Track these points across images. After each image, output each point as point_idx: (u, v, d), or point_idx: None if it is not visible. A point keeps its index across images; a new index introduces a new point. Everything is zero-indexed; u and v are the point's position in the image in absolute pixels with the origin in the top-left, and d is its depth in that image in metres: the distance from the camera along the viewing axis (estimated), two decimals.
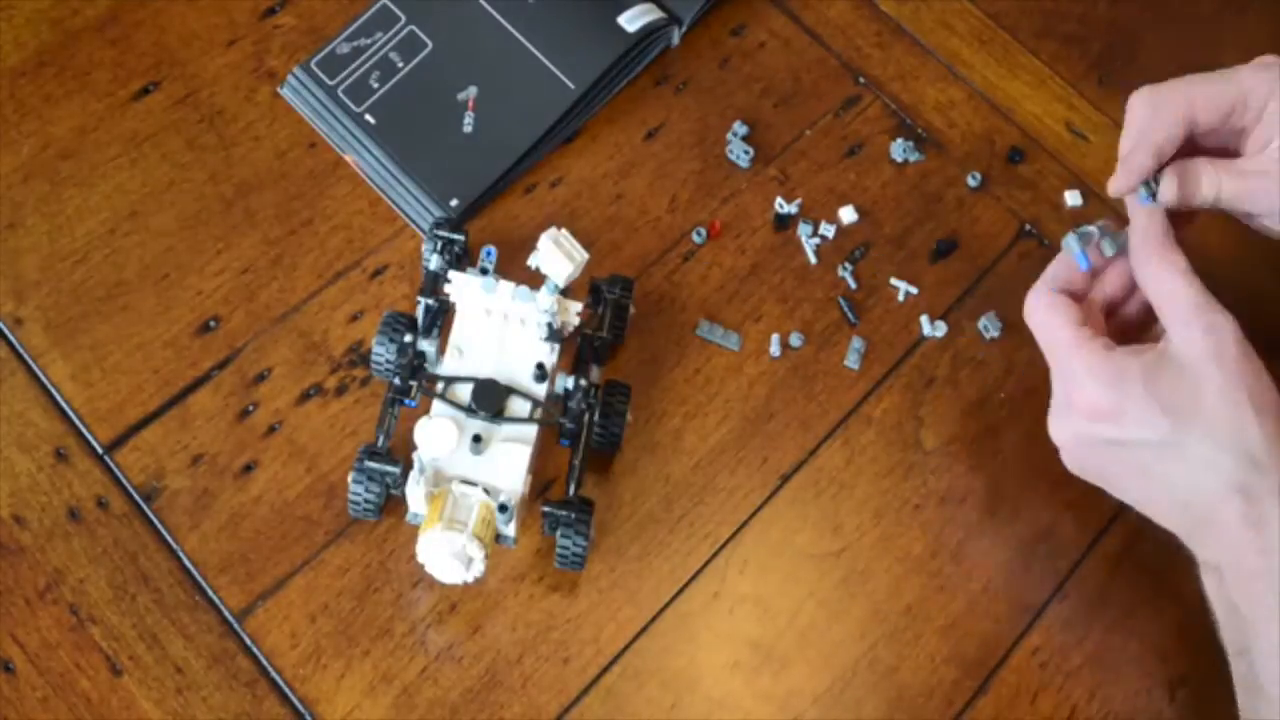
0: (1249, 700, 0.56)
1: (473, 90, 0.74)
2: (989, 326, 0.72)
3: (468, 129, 0.73)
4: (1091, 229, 0.62)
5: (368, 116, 0.73)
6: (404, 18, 0.76)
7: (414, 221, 0.72)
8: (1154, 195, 0.60)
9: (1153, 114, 0.61)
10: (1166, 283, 0.58)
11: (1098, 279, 0.62)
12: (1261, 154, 0.60)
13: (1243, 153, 0.62)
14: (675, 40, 0.79)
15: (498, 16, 0.76)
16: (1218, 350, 0.55)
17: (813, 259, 0.74)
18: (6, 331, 0.67)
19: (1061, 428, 0.60)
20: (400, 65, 0.75)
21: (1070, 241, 0.61)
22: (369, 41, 0.76)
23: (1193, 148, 0.61)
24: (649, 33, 0.76)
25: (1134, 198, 0.61)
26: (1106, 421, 0.57)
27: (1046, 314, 0.60)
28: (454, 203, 0.71)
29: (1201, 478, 0.56)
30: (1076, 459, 0.61)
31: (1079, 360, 0.58)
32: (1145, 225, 0.60)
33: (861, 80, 0.80)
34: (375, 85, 0.75)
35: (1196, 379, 0.55)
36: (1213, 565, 0.57)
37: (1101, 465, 0.60)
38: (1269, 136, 0.60)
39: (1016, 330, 0.73)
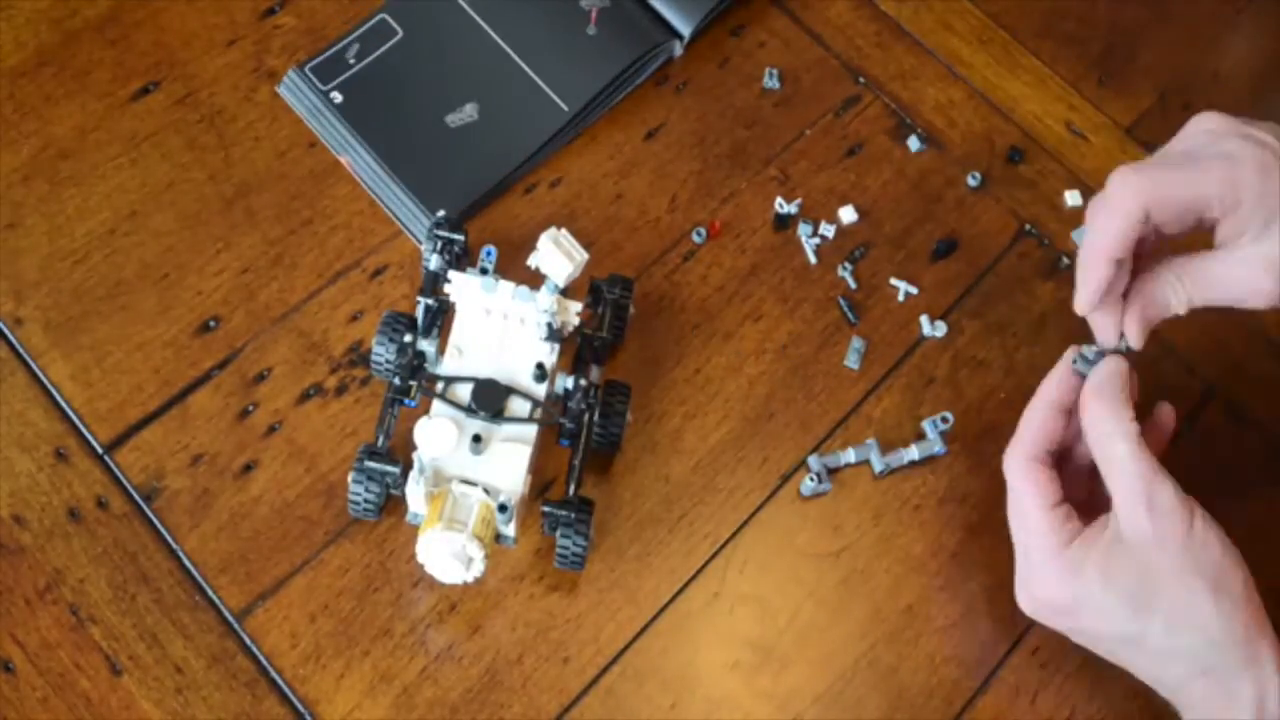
0: None
1: (467, 105, 0.75)
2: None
3: (460, 137, 0.74)
4: (1091, 350, 0.60)
5: (359, 124, 0.73)
6: (401, 32, 0.76)
7: (406, 227, 0.72)
8: (1105, 354, 0.59)
9: (1105, 221, 0.57)
10: (1113, 449, 0.56)
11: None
12: (1235, 245, 0.57)
13: (1215, 240, 0.58)
14: (677, 51, 0.79)
15: (494, 36, 0.77)
16: (1167, 533, 0.55)
17: (813, 259, 0.74)
18: (6, 331, 0.67)
19: (1024, 601, 0.61)
20: (395, 77, 0.75)
21: (1070, 357, 0.60)
22: (366, 52, 0.76)
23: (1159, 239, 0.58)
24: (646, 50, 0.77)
25: (1080, 361, 0.59)
26: (1064, 615, 0.59)
27: (1022, 483, 0.59)
28: (441, 213, 0.71)
29: (1165, 664, 0.57)
30: (1044, 623, 0.61)
31: (1040, 549, 0.58)
32: (1099, 378, 0.58)
33: (861, 80, 0.80)
34: (369, 94, 0.74)
35: (1148, 567, 0.55)
36: None
37: (1067, 636, 0.61)
38: (1240, 229, 0.56)
39: (1016, 330, 0.73)
